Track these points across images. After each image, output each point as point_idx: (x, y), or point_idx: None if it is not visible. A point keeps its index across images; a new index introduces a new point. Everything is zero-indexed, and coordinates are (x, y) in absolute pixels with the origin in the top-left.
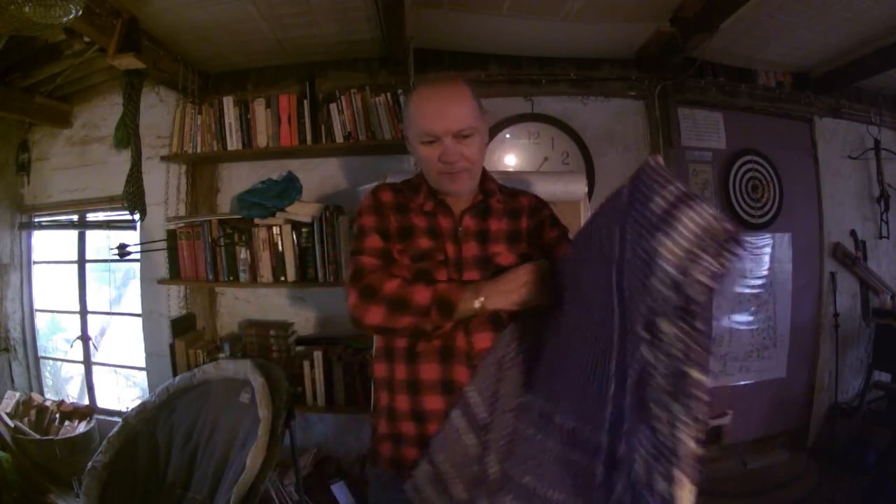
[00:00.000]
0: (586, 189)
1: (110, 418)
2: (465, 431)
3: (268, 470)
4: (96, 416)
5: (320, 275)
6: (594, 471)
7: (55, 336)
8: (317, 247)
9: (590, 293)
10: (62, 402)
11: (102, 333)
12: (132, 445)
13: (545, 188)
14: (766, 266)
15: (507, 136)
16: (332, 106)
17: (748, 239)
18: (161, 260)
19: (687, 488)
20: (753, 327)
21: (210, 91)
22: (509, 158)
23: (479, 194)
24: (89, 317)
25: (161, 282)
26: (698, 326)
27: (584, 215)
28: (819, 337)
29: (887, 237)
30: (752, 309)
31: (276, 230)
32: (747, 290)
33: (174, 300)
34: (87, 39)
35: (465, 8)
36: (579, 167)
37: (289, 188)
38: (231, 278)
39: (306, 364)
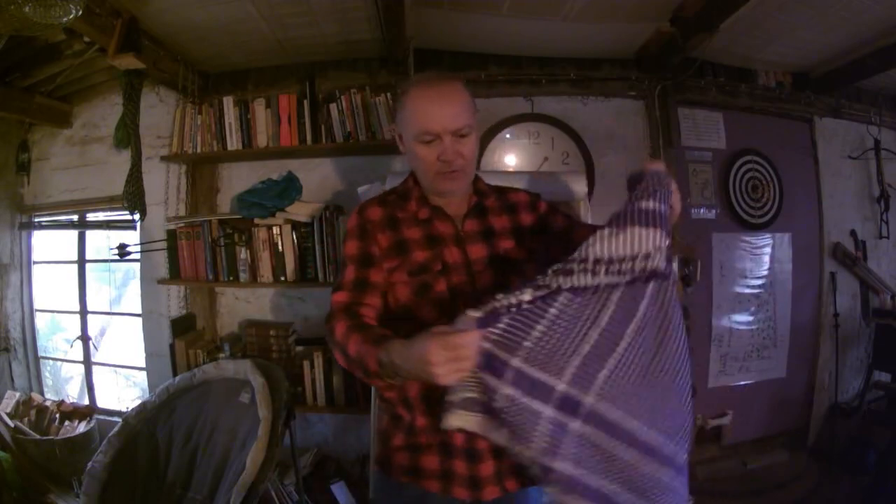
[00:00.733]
0: (586, 189)
1: (110, 418)
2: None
3: (268, 470)
4: (96, 416)
5: (320, 275)
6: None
7: (55, 336)
8: (317, 247)
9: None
10: (62, 402)
11: (102, 333)
12: (132, 445)
13: (545, 188)
14: (766, 266)
15: (507, 136)
16: (332, 106)
17: (748, 239)
18: (161, 260)
19: None
20: (753, 327)
21: (210, 91)
22: (509, 158)
23: (473, 196)
24: (89, 317)
25: (161, 282)
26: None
27: (584, 215)
28: (819, 337)
29: (887, 237)
30: (752, 309)
31: (276, 230)
32: (747, 290)
33: (174, 300)
34: (87, 39)
35: (465, 8)
36: (579, 167)
37: (289, 188)
38: (231, 278)
39: (306, 364)
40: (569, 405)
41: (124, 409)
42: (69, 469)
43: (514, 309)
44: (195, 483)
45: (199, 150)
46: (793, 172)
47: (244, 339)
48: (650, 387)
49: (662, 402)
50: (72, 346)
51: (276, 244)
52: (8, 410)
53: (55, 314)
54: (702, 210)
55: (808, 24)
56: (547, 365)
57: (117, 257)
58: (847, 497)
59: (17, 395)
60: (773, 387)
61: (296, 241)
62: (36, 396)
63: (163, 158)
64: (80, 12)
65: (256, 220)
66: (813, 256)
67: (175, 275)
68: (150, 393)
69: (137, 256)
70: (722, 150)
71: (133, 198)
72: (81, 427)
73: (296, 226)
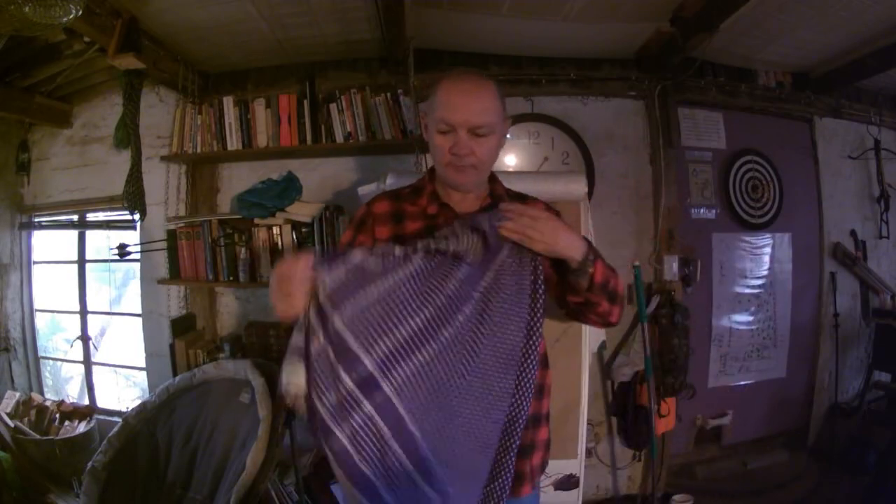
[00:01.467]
0: (586, 189)
1: (110, 418)
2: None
3: (268, 470)
4: (96, 416)
5: None
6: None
7: (55, 336)
8: (317, 247)
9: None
10: (62, 402)
11: (102, 333)
12: (132, 445)
13: (545, 188)
14: (766, 266)
15: (508, 136)
16: (332, 106)
17: (748, 239)
18: (161, 260)
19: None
20: (753, 327)
21: (210, 91)
22: (509, 158)
23: (487, 198)
24: (89, 317)
25: (161, 282)
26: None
27: (584, 215)
28: (819, 337)
29: (887, 237)
30: (752, 309)
31: (276, 230)
32: (747, 290)
33: (174, 300)
34: (87, 39)
35: (465, 8)
36: (579, 167)
37: (289, 188)
38: (231, 278)
39: None
40: (367, 385)
41: (124, 409)
42: (69, 469)
43: (351, 267)
44: (195, 483)
45: (199, 150)
46: (793, 172)
47: (244, 339)
48: (449, 410)
49: (455, 434)
50: (72, 346)
51: (277, 244)
52: (8, 410)
53: (55, 314)
54: (702, 210)
55: (808, 24)
56: (362, 334)
57: (117, 257)
58: (847, 497)
59: (17, 395)
60: (773, 387)
61: (296, 241)
62: (36, 396)
63: (163, 158)
64: (80, 12)
65: (256, 220)
66: (813, 256)
67: (175, 275)
68: (150, 393)
69: (137, 256)
70: (722, 150)
71: (133, 198)
72: (81, 427)
73: (296, 226)
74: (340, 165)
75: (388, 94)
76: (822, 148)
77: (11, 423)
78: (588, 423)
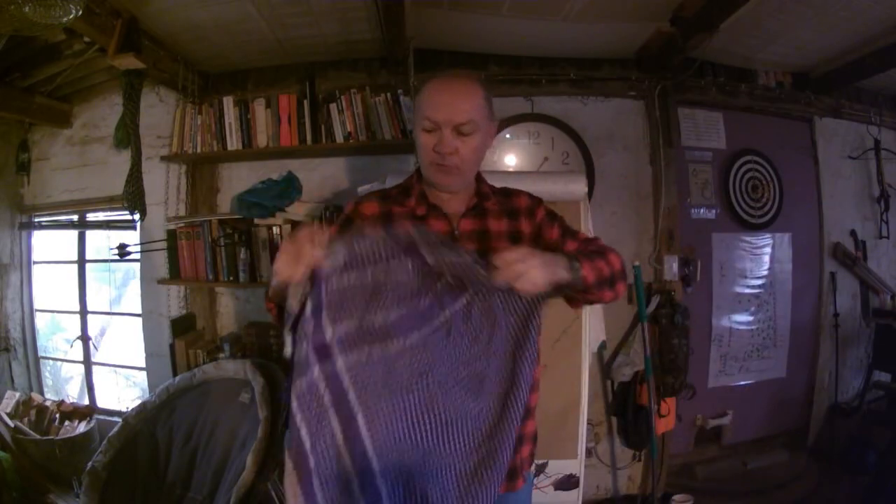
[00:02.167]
0: (586, 189)
1: (110, 418)
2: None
3: (268, 470)
4: (96, 416)
5: None
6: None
7: (55, 336)
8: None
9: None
10: (62, 402)
11: (102, 333)
12: (132, 445)
13: (545, 188)
14: (766, 266)
15: (507, 136)
16: (332, 106)
17: (748, 239)
18: (161, 260)
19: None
20: (753, 327)
21: (210, 91)
22: (509, 158)
23: (474, 197)
24: (89, 317)
25: (161, 282)
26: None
27: (584, 215)
28: (819, 337)
29: (887, 237)
30: (752, 309)
31: (276, 230)
32: (747, 290)
33: (174, 300)
34: (87, 39)
35: (465, 8)
36: (579, 167)
37: (289, 188)
38: (231, 278)
39: None
40: (323, 352)
41: (124, 409)
42: (69, 469)
43: (353, 249)
44: (195, 483)
45: (199, 150)
46: (793, 172)
47: (244, 339)
48: (404, 412)
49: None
50: (72, 346)
51: (277, 244)
52: (8, 410)
53: (55, 314)
54: (702, 210)
55: (808, 24)
56: (334, 307)
57: (117, 257)
58: (847, 497)
59: (17, 395)
60: (773, 387)
61: None
62: (36, 396)
63: (163, 158)
64: (80, 12)
65: (256, 220)
66: (813, 256)
67: (175, 275)
68: (150, 393)
69: (137, 256)
70: (722, 150)
71: (133, 198)
72: (81, 427)
73: (296, 226)
74: (340, 165)
75: (388, 94)
76: (822, 148)
77: (11, 423)
78: (588, 423)
